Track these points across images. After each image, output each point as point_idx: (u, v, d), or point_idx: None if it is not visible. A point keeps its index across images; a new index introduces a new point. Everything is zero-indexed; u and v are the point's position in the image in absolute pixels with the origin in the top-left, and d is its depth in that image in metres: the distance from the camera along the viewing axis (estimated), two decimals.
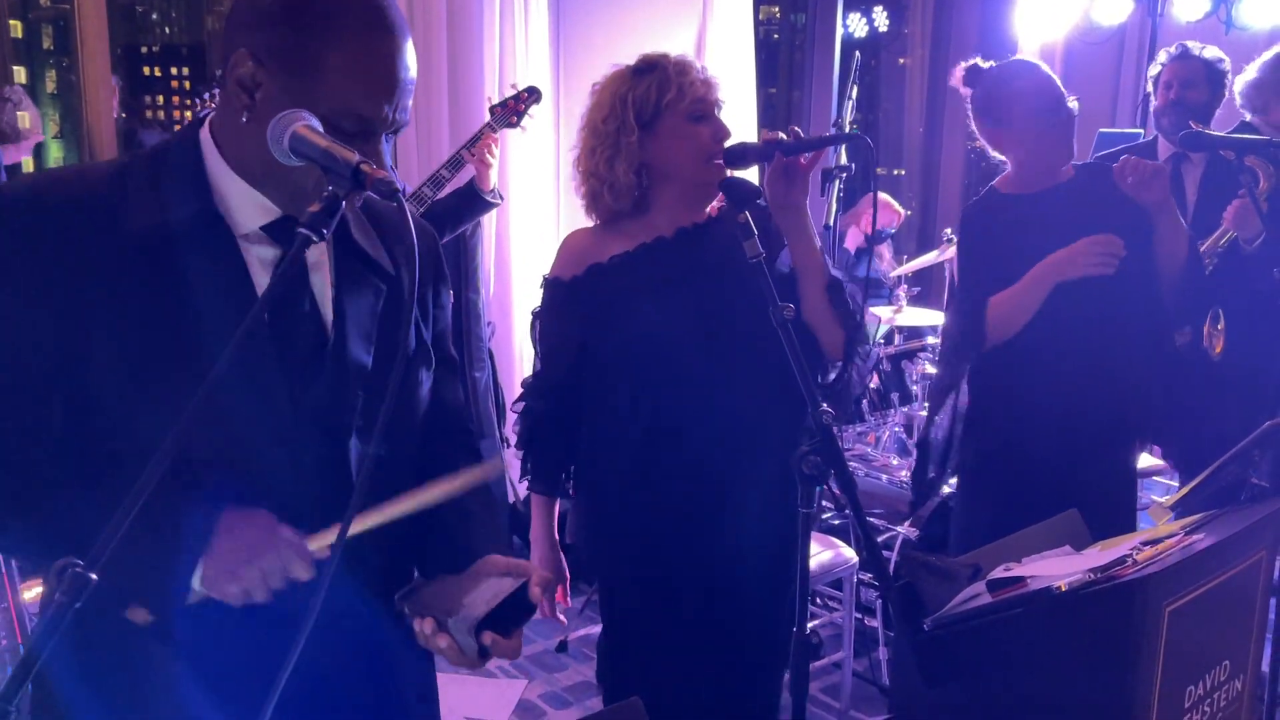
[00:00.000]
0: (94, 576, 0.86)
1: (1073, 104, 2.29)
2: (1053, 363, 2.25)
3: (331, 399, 1.19)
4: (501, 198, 3.24)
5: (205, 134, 1.17)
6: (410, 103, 1.15)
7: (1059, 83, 2.29)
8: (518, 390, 4.05)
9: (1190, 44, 3.13)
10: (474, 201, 3.17)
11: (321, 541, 1.10)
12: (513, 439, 4.02)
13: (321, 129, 1.04)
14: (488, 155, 3.07)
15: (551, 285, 1.91)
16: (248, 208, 1.15)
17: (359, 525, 1.11)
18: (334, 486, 1.18)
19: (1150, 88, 3.20)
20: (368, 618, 1.24)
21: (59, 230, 1.08)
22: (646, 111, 1.78)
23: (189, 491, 1.08)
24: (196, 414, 0.90)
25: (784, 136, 1.75)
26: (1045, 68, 2.34)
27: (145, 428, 1.07)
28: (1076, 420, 2.27)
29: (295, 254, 0.96)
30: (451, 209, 3.20)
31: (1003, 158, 2.38)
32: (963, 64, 2.37)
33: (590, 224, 1.93)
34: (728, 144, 1.80)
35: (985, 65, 2.37)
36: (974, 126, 2.39)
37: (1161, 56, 3.16)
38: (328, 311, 1.20)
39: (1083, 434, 2.28)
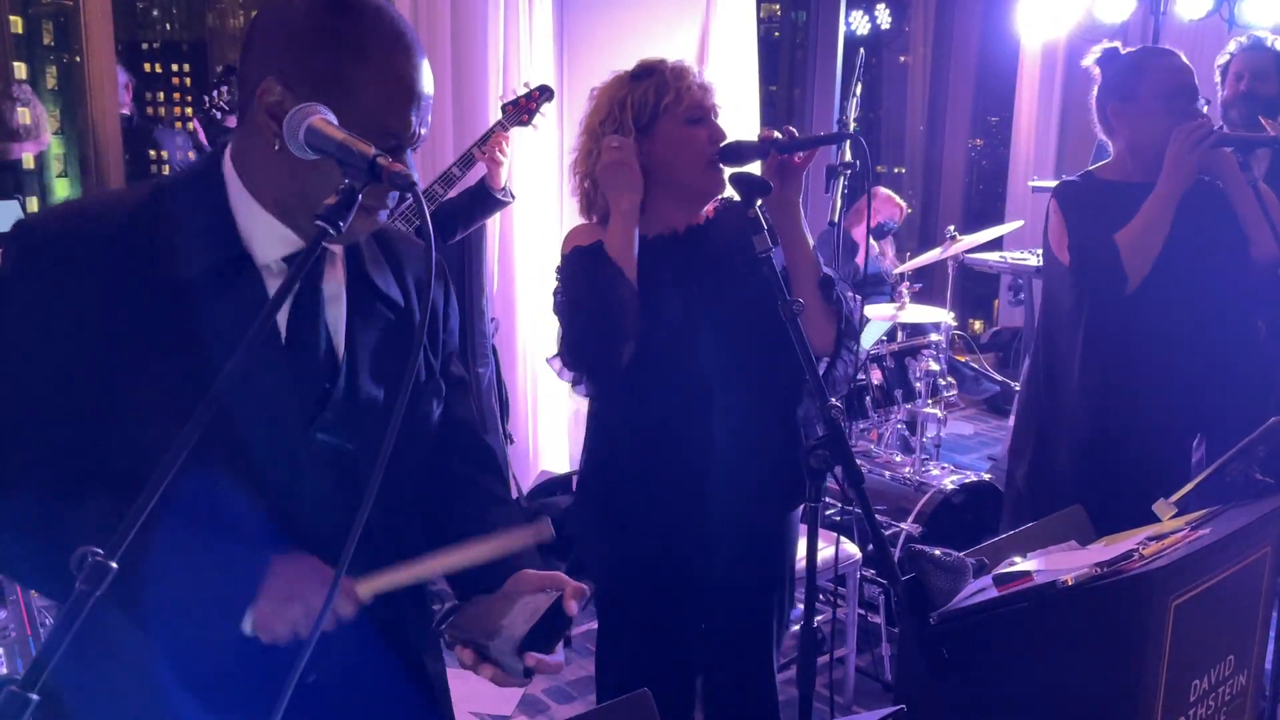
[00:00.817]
0: (114, 565, 0.87)
1: (1203, 107, 2.32)
2: (1154, 355, 2.34)
3: (343, 433, 1.20)
4: (513, 196, 3.24)
5: (228, 166, 1.17)
6: (430, 115, 1.17)
7: (1195, 80, 2.33)
8: (521, 385, 4.09)
9: (1260, 34, 3.08)
10: (486, 200, 3.17)
11: (370, 586, 1.12)
12: (515, 436, 4.06)
13: (337, 122, 1.05)
14: (499, 154, 3.07)
15: (575, 253, 1.84)
16: (270, 240, 1.16)
17: (407, 575, 1.14)
18: (347, 520, 1.18)
19: (1218, 78, 3.10)
20: (382, 626, 1.24)
21: (90, 269, 1.09)
22: (644, 115, 1.80)
23: (225, 531, 1.10)
24: (201, 427, 0.90)
25: (779, 135, 1.77)
26: (1186, 62, 2.37)
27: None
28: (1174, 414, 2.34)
29: (313, 247, 0.96)
30: (463, 208, 3.20)
31: (1108, 141, 2.44)
32: (1099, 45, 2.41)
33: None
34: (724, 143, 1.81)
35: (1125, 50, 2.42)
36: (1094, 109, 2.43)
37: (1231, 46, 3.10)
38: (340, 344, 1.21)
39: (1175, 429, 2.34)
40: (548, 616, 1.17)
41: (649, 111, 1.80)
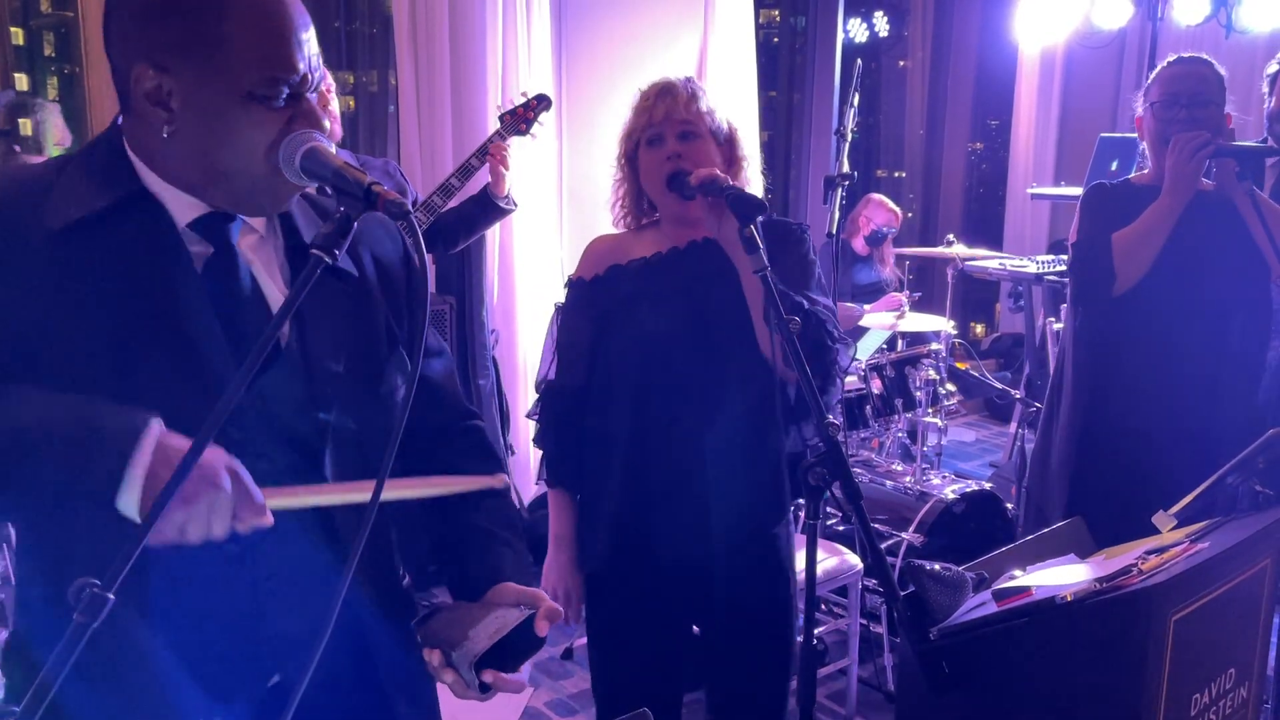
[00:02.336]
0: (111, 596, 0.87)
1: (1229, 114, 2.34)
2: (1163, 369, 2.35)
3: (297, 407, 1.16)
4: (516, 204, 3.24)
5: (126, 148, 1.13)
6: (317, 50, 1.11)
7: (1196, 84, 2.33)
8: (522, 397, 4.08)
9: None
10: (488, 208, 3.17)
11: (279, 499, 1.05)
12: (517, 447, 4.05)
13: (333, 150, 1.05)
14: (501, 165, 3.08)
15: (573, 285, 1.99)
16: (176, 205, 1.11)
17: (320, 496, 1.11)
18: (307, 535, 1.16)
19: (1266, 88, 3.00)
20: (365, 626, 1.24)
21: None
22: (632, 145, 1.90)
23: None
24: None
25: (719, 175, 1.76)
26: (1217, 69, 2.37)
27: None
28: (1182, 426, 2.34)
29: (308, 275, 0.96)
30: (466, 216, 3.21)
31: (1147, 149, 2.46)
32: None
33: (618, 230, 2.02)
34: (675, 171, 1.81)
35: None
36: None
37: None
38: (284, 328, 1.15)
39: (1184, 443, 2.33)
40: (516, 634, 1.16)
41: (634, 141, 1.90)
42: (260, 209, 1.16)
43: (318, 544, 1.18)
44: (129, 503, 0.99)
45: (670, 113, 1.84)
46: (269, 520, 1.03)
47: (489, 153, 3.08)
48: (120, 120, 1.14)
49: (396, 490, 1.13)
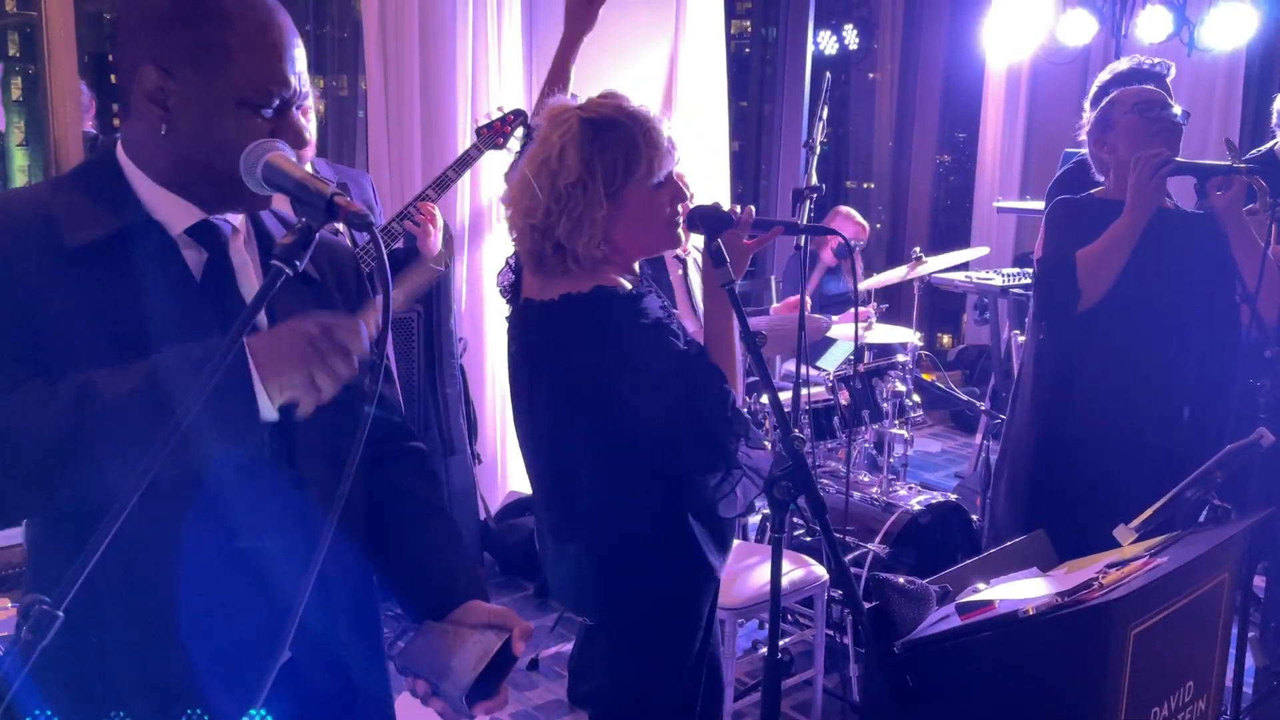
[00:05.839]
0: (60, 614, 0.86)
1: (1177, 114, 2.39)
2: (1126, 385, 2.39)
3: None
4: (447, 266, 3.18)
5: (121, 154, 1.19)
6: (304, 67, 1.19)
7: (1161, 95, 2.41)
8: (489, 405, 4.06)
9: None
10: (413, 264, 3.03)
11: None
12: (484, 455, 4.03)
13: (295, 159, 1.05)
14: (431, 224, 3.00)
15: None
16: (173, 214, 1.17)
17: None
18: (284, 495, 1.18)
19: (1277, 119, 3.02)
20: (332, 650, 1.24)
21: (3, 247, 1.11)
22: (614, 183, 1.69)
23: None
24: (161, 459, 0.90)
25: (739, 209, 1.76)
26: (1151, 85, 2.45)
27: None
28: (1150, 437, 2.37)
29: (268, 286, 0.96)
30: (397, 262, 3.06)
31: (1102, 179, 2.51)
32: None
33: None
34: (694, 207, 1.77)
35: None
36: (1089, 143, 2.51)
37: None
38: (261, 315, 1.19)
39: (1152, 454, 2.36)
40: (496, 659, 1.19)
41: (620, 179, 1.69)
42: (245, 206, 1.21)
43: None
44: (264, 402, 1.06)
45: (674, 150, 1.74)
46: (364, 347, 1.07)
47: (413, 217, 2.97)
48: (119, 126, 1.18)
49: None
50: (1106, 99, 2.49)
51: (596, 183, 1.67)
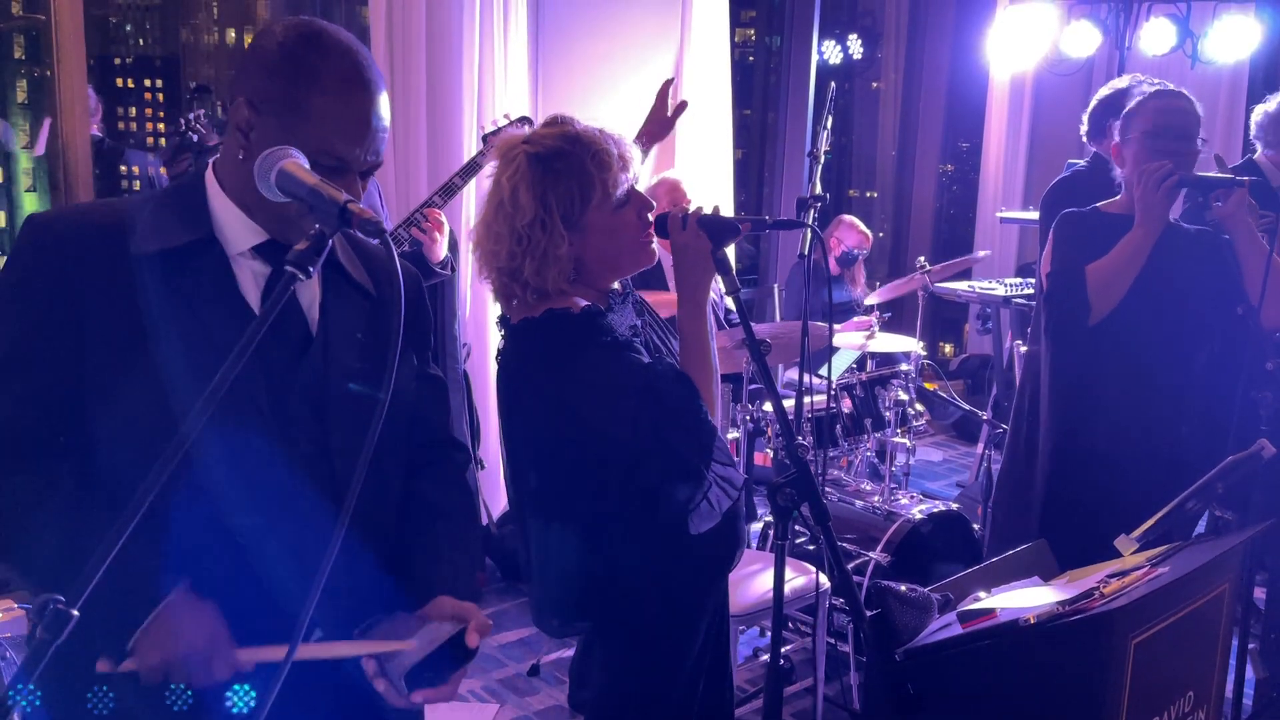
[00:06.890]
0: (75, 613, 0.87)
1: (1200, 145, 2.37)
2: (1132, 391, 2.39)
3: (315, 407, 1.27)
4: (454, 269, 3.21)
5: (210, 174, 1.31)
6: (383, 146, 1.29)
7: (1185, 120, 2.37)
8: (492, 413, 4.06)
9: None
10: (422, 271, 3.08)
11: (252, 655, 1.15)
12: (486, 461, 4.04)
13: (309, 166, 1.07)
14: (437, 230, 3.04)
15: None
16: (241, 231, 1.27)
17: (293, 654, 1.13)
18: (320, 502, 1.24)
19: (1257, 115, 3.06)
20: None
21: (70, 251, 1.21)
22: (573, 213, 1.67)
23: (165, 543, 1.15)
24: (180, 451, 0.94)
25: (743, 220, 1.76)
26: (1198, 108, 2.41)
27: (134, 436, 1.19)
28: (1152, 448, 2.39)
29: (283, 289, 0.98)
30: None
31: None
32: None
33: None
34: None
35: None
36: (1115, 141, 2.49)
37: None
38: (314, 317, 1.30)
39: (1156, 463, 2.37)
40: (446, 647, 1.23)
41: (577, 208, 1.67)
42: (294, 237, 1.22)
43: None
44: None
45: (628, 165, 1.70)
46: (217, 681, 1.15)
47: (419, 224, 3.00)
48: (217, 151, 1.37)
49: (313, 652, 1.21)
50: (1134, 101, 2.46)
51: (553, 218, 1.64)
